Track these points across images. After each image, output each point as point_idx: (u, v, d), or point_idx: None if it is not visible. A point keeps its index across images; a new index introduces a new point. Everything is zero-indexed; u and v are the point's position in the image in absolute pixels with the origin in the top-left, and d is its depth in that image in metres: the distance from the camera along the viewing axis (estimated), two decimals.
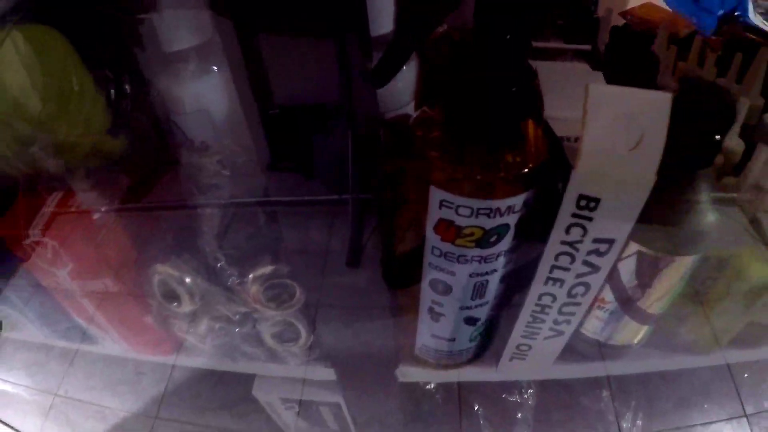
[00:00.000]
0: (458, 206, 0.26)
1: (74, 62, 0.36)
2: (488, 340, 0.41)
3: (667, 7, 0.74)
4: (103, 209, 0.43)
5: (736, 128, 0.45)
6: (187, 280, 0.42)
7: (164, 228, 0.45)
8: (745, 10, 0.63)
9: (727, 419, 0.80)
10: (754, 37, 0.70)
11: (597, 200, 0.27)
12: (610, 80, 0.34)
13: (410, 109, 0.35)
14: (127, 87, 0.39)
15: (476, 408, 0.72)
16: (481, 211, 0.26)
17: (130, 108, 0.40)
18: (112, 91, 0.38)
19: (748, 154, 0.46)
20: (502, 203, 0.26)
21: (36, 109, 0.34)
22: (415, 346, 0.43)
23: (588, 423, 0.76)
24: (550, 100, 0.31)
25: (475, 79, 0.25)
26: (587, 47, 0.35)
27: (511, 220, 0.28)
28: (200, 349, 0.50)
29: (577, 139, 0.27)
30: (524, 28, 0.26)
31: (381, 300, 0.47)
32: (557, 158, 0.27)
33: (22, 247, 0.45)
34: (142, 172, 0.45)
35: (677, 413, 0.79)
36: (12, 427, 0.72)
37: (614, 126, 0.25)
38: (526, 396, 0.73)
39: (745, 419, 0.80)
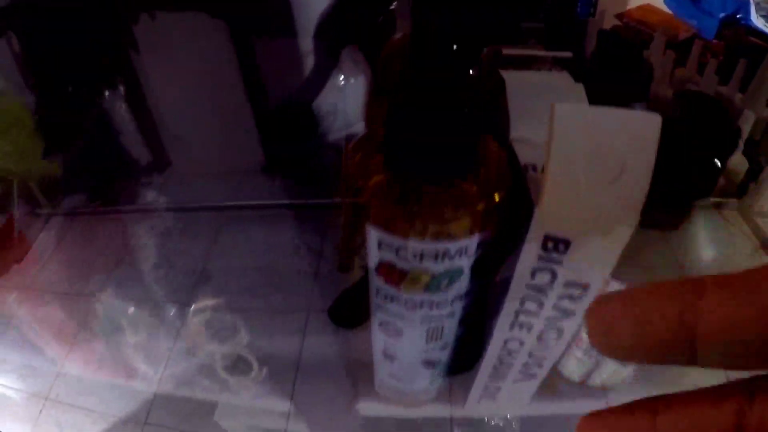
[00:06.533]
0: (398, 248, 0.22)
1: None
2: (454, 374, 0.37)
3: (666, 9, 0.70)
4: (42, 228, 0.40)
5: (738, 144, 0.40)
6: (130, 310, 0.38)
7: (107, 255, 0.41)
8: (747, 13, 0.62)
9: None
10: (757, 41, 0.66)
11: (567, 242, 0.22)
12: (593, 92, 0.29)
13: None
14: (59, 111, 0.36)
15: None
16: (426, 254, 0.22)
17: (65, 134, 0.37)
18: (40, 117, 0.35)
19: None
20: (452, 245, 0.22)
21: None
22: (374, 382, 0.38)
23: None
24: (519, 117, 0.27)
25: (416, 92, 0.21)
26: (568, 54, 0.31)
27: (465, 263, 0.23)
28: (156, 378, 0.46)
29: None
30: (468, 29, 0.22)
31: None
32: (520, 190, 0.22)
33: None
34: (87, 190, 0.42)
35: None
36: None
37: (587, 154, 0.21)
38: (510, 419, 0.69)
39: None
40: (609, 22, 0.58)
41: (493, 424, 0.72)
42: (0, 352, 0.64)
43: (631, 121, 0.20)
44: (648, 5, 0.71)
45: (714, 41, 0.65)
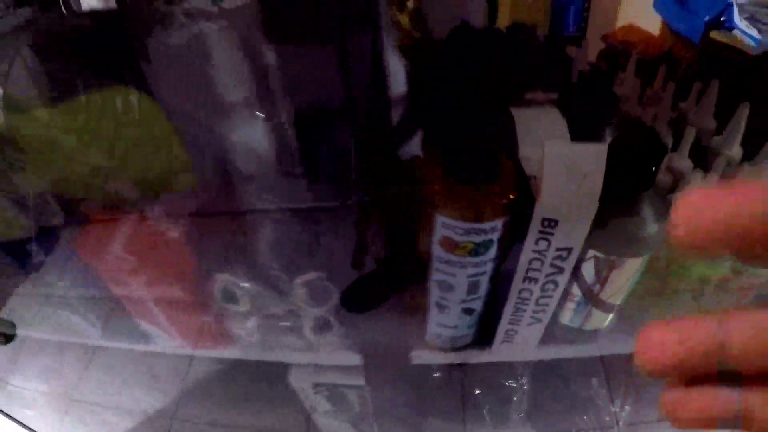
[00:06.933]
0: (455, 227, 0.37)
1: (156, 115, 0.47)
2: (483, 328, 0.52)
3: (647, 29, 0.79)
4: (170, 228, 0.54)
5: (684, 151, 0.54)
6: (245, 285, 0.52)
7: (224, 242, 0.55)
8: (731, 15, 0.64)
9: None
10: (731, 54, 0.73)
11: (556, 221, 0.37)
12: (573, 124, 0.44)
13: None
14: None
15: (477, 392, 0.82)
16: (472, 231, 0.37)
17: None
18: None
19: None
20: (487, 225, 0.37)
21: (117, 153, 0.44)
22: (425, 334, 0.53)
23: (578, 407, 0.85)
24: (524, 143, 0.41)
25: (464, 131, 0.36)
26: (554, 96, 0.45)
27: (495, 236, 0.38)
28: (248, 342, 0.61)
29: None
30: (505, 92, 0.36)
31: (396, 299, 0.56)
32: (527, 191, 0.37)
33: (98, 259, 0.56)
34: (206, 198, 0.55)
35: None
36: (31, 429, 0.78)
37: (565, 170, 0.35)
38: (521, 381, 0.83)
39: None
40: (594, 44, 0.69)
41: (506, 384, 0.86)
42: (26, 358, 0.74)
43: (589, 149, 0.35)
44: (630, 25, 0.82)
45: (689, 54, 0.75)
